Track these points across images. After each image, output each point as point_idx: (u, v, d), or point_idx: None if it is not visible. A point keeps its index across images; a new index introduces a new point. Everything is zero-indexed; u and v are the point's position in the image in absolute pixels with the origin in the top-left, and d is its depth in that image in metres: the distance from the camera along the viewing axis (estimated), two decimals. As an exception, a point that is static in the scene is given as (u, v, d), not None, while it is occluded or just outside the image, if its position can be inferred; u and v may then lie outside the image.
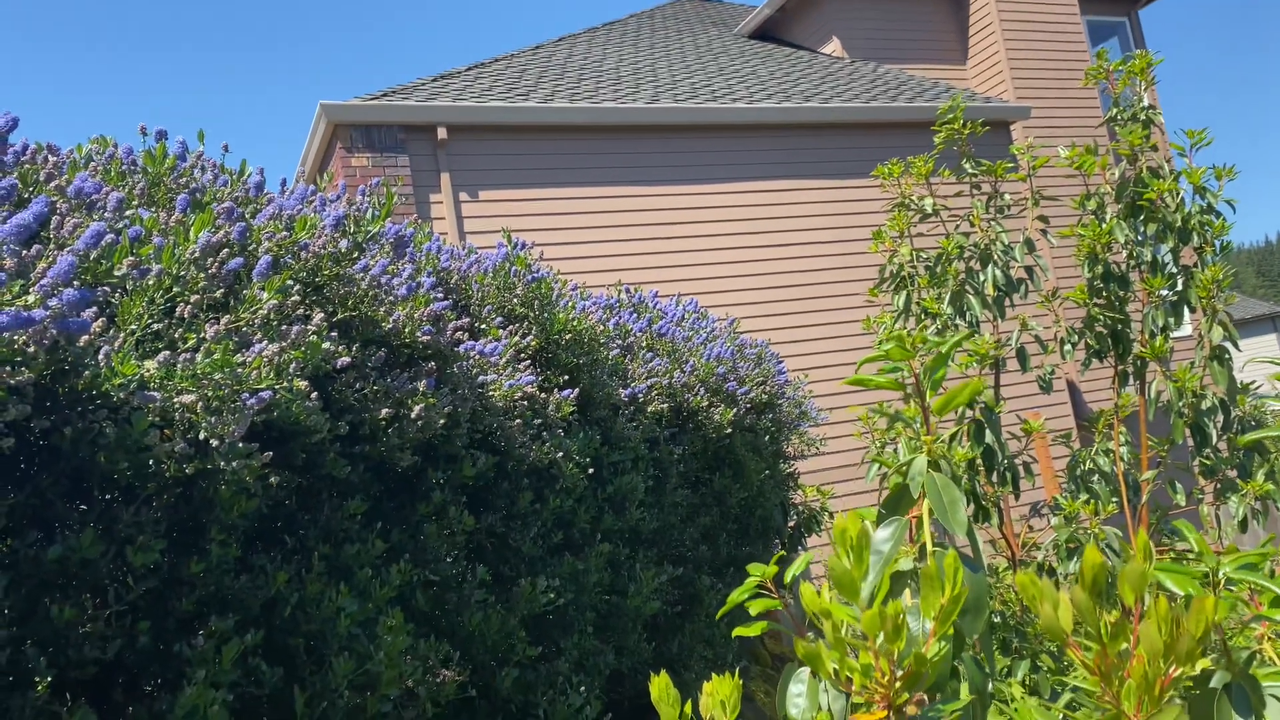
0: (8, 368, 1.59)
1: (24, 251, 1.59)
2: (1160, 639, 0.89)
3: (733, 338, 5.43)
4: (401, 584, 2.75)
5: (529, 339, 3.56)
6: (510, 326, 3.57)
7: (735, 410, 4.77)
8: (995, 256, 4.51)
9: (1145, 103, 4.20)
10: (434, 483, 3.01)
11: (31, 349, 1.56)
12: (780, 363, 5.78)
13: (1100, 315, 4.09)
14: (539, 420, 3.45)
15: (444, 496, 3.03)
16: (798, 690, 1.97)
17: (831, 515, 6.10)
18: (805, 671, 2.00)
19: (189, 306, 2.10)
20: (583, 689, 3.45)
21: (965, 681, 1.72)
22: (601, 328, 4.03)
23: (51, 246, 1.77)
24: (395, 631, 2.61)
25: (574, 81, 10.64)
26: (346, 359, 2.34)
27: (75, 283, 1.62)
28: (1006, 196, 4.78)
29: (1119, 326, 4.13)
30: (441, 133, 9.27)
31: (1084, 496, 4.17)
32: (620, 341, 4.27)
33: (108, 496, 1.99)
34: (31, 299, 1.58)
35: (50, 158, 2.15)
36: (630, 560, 4.04)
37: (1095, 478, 4.35)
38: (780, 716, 2.04)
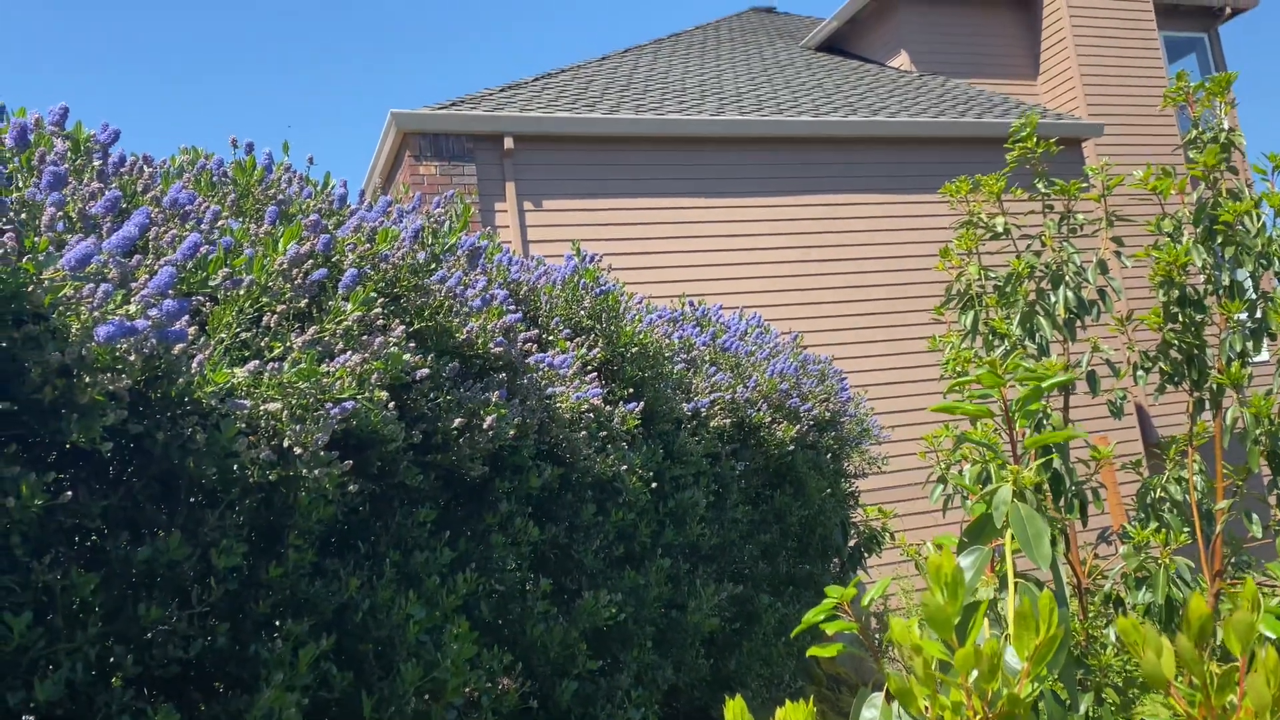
0: (108, 374, 1.64)
1: (126, 262, 1.65)
2: (1269, 692, 0.87)
3: (796, 353, 5.40)
4: (468, 593, 2.78)
5: (595, 351, 3.58)
6: (577, 339, 3.60)
7: (798, 427, 4.75)
8: (1067, 278, 4.44)
9: (1225, 124, 4.10)
10: (501, 493, 3.04)
11: (132, 357, 1.61)
12: (843, 379, 5.74)
13: (1176, 340, 4.00)
14: (604, 433, 3.47)
15: (510, 507, 3.06)
16: (870, 715, 1.95)
17: (893, 536, 6.03)
18: (879, 697, 1.98)
19: (275, 316, 2.16)
20: (641, 704, 3.45)
21: (1044, 716, 1.69)
22: (666, 341, 4.04)
23: (150, 256, 1.83)
24: (461, 640, 2.64)
25: (639, 93, 10.69)
26: (425, 370, 2.38)
27: (171, 293, 1.68)
28: (1080, 216, 4.69)
29: (1195, 351, 4.04)
30: (508, 142, 9.38)
31: (1154, 525, 4.07)
32: (684, 355, 4.28)
33: (193, 500, 2.05)
34: (133, 309, 1.64)
35: (146, 169, 2.23)
36: (690, 576, 4.03)
37: (1167, 506, 4.25)
38: (851, 742, 2.02)
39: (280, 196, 2.53)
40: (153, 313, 1.61)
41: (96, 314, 1.55)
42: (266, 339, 2.15)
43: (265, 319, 2.16)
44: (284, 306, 2.15)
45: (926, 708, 1.07)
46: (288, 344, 2.14)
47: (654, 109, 10.06)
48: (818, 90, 11.51)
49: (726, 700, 4.24)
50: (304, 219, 2.29)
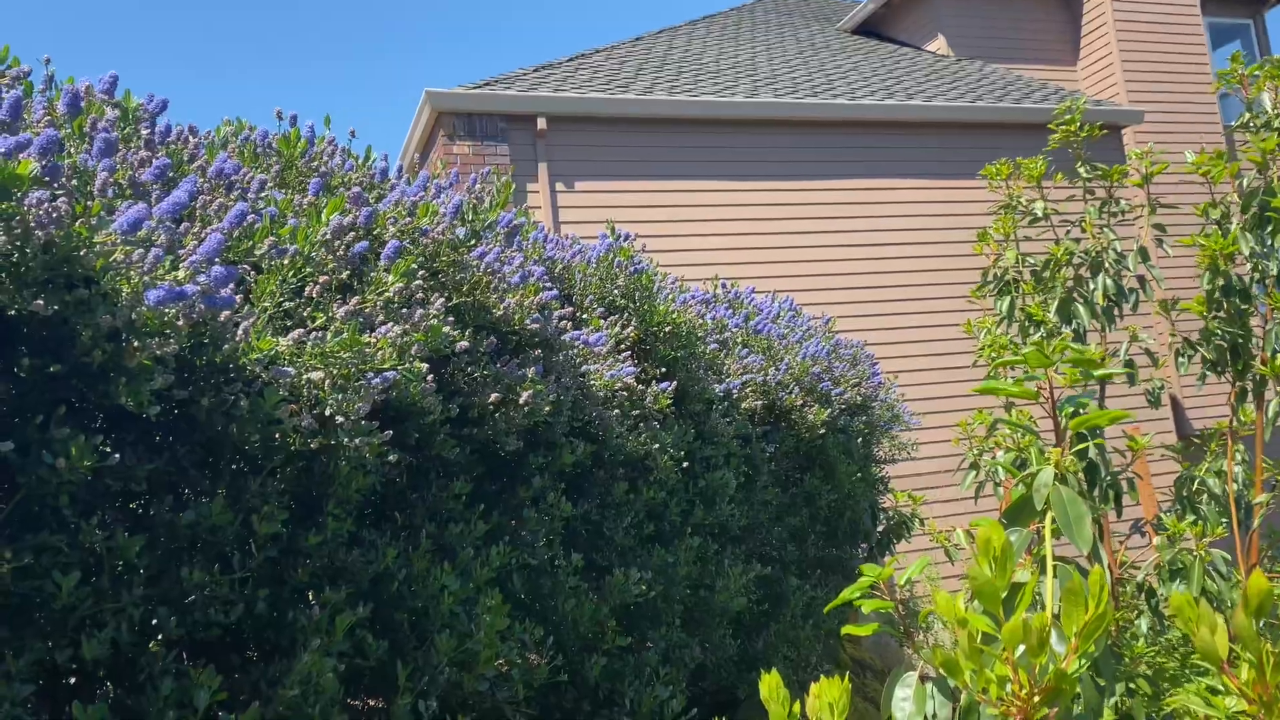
0: (156, 339, 1.66)
1: (175, 228, 1.67)
2: (1325, 671, 0.86)
3: (828, 337, 5.38)
4: (500, 566, 2.80)
5: (629, 330, 3.59)
6: (611, 317, 3.60)
7: (829, 410, 4.73)
8: (1107, 264, 4.38)
9: (1270, 109, 4.02)
10: (534, 468, 3.06)
11: (180, 322, 1.63)
12: (875, 364, 5.71)
13: (1219, 329, 3.94)
14: (636, 411, 3.48)
15: (543, 482, 3.08)
16: (904, 695, 1.95)
17: (922, 522, 6.01)
18: (912, 677, 1.98)
19: (317, 287, 2.17)
20: (669, 682, 3.47)
21: (1081, 700, 1.68)
22: (699, 322, 4.03)
23: (197, 224, 1.85)
24: (494, 612, 2.66)
25: (673, 74, 10.64)
26: (464, 343, 2.39)
27: (218, 260, 1.69)
28: (1122, 203, 4.62)
29: (1239, 341, 3.98)
30: (541, 123, 9.37)
31: (1190, 517, 4.02)
32: (717, 336, 4.27)
33: (235, 467, 2.07)
34: (181, 274, 1.66)
35: (191, 139, 2.25)
36: (719, 556, 4.04)
37: (1204, 498, 4.19)
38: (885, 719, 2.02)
39: (323, 169, 2.55)
40: (201, 279, 1.63)
41: (146, 278, 1.57)
42: (309, 309, 2.17)
43: (308, 289, 2.18)
44: (326, 277, 2.16)
45: (971, 681, 1.07)
46: (330, 314, 2.15)
47: (688, 90, 10.01)
48: (853, 73, 11.41)
49: (757, 678, 4.25)
50: (346, 191, 2.30)
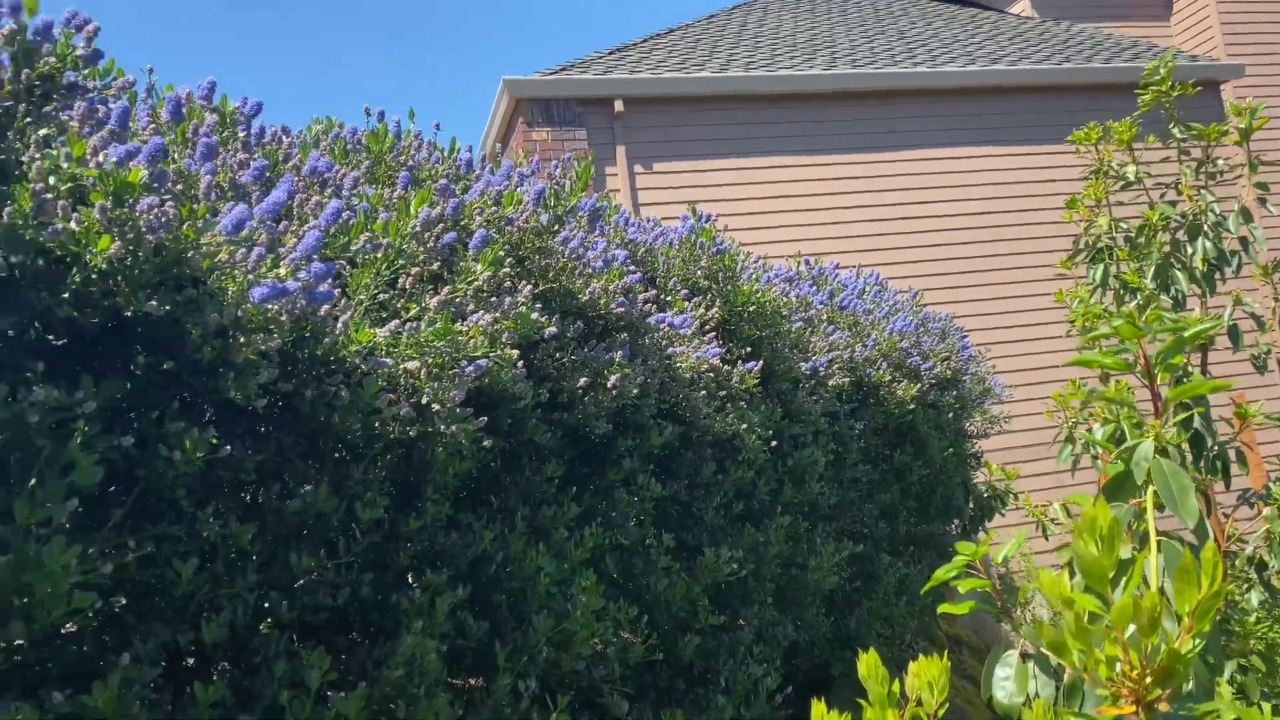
0: (261, 335, 1.72)
1: (275, 226, 1.73)
2: None
3: (915, 311, 5.29)
4: (594, 547, 2.84)
5: (713, 311, 3.58)
6: (694, 299, 3.60)
7: (918, 386, 4.66)
8: (1206, 227, 4.21)
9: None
10: (623, 450, 3.09)
11: (283, 318, 1.69)
12: (964, 337, 5.59)
13: (1331, 291, 3.76)
14: (723, 392, 3.48)
15: (632, 464, 3.10)
16: (1004, 674, 1.92)
17: (1016, 497, 5.88)
18: (1012, 655, 1.95)
19: (409, 279, 2.23)
20: (763, 660, 3.48)
21: (1192, 679, 1.64)
22: (784, 300, 4.01)
23: (294, 222, 1.91)
24: (589, 592, 2.70)
25: (749, 49, 10.53)
26: (553, 329, 2.42)
27: (315, 256, 1.75)
28: (1221, 162, 4.43)
29: (1354, 303, 3.79)
30: (618, 105, 9.38)
31: (1303, 487, 3.86)
32: (801, 314, 4.23)
33: (337, 456, 2.14)
34: (283, 271, 1.72)
35: (284, 138, 2.32)
36: (809, 534, 4.02)
37: (1318, 467, 4.02)
38: (984, 699, 2.00)
39: (410, 162, 2.60)
40: (301, 275, 1.69)
41: (250, 277, 1.63)
42: (402, 300, 2.23)
43: (400, 281, 2.23)
44: (417, 269, 2.21)
45: (1079, 662, 1.05)
46: (422, 305, 2.21)
47: (764, 66, 9.90)
48: (934, 40, 11.13)
49: (851, 656, 4.22)
50: (433, 184, 2.34)
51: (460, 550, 2.44)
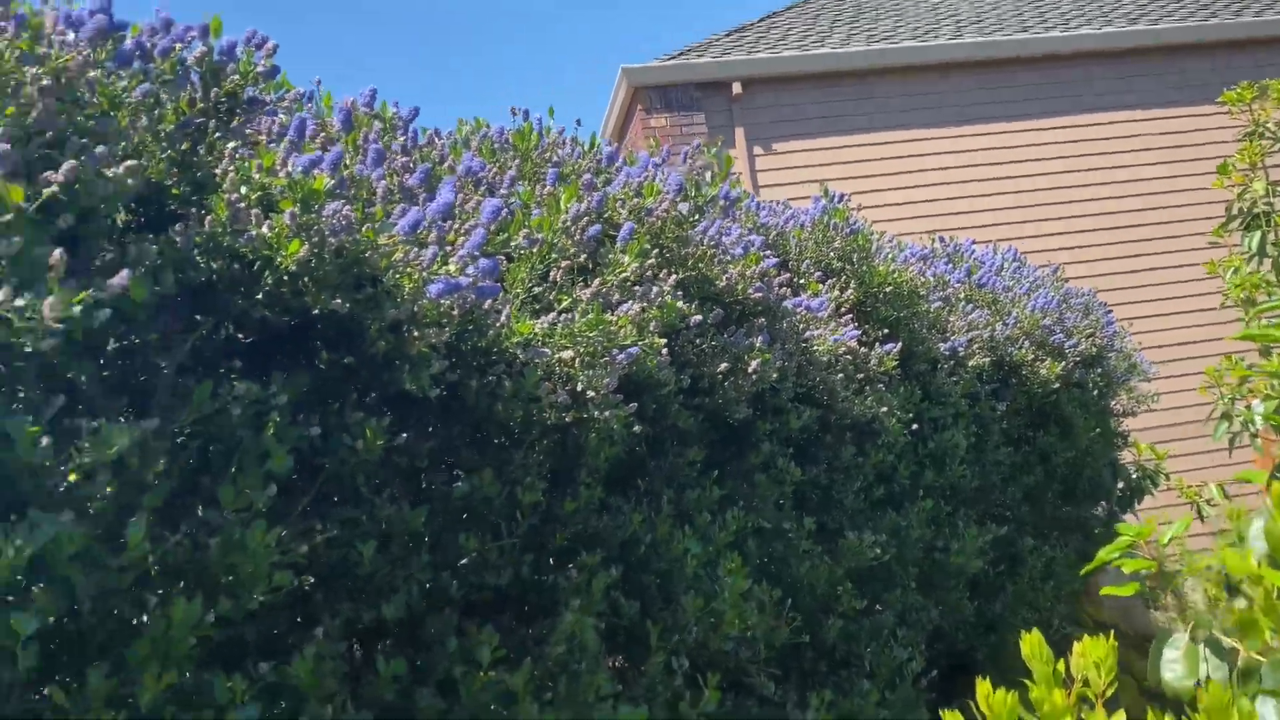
0: (433, 329, 1.82)
1: (444, 225, 1.82)
2: None
3: (1056, 287, 5.12)
4: (737, 530, 2.88)
5: (848, 293, 3.56)
6: (828, 280, 3.59)
7: (1062, 364, 4.52)
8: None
9: None
10: (762, 434, 3.11)
11: (455, 311, 1.79)
12: (1108, 312, 5.39)
13: None
14: (860, 375, 3.46)
15: (772, 448, 3.13)
16: (1173, 656, 1.88)
17: (1167, 477, 5.64)
18: (1181, 637, 1.90)
19: (559, 272, 2.30)
20: (907, 644, 3.46)
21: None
22: (920, 279, 3.95)
23: (456, 221, 2.01)
24: (735, 574, 2.74)
25: (870, 22, 10.32)
26: (697, 317, 2.47)
27: (480, 253, 1.83)
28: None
29: None
30: (736, 88, 9.33)
31: None
32: (938, 294, 4.16)
33: (498, 442, 2.24)
34: (452, 268, 1.81)
35: (438, 140, 2.43)
36: (951, 518, 3.97)
37: None
38: (1153, 682, 1.95)
39: (554, 159, 2.69)
40: (470, 270, 1.77)
41: (425, 273, 1.72)
42: (553, 293, 2.31)
43: (551, 274, 2.31)
44: (568, 261, 2.29)
45: (1271, 640, 1.03)
46: (573, 296, 2.28)
47: (886, 38, 9.69)
48: (1066, 1, 10.67)
49: (995, 640, 4.14)
50: (578, 179, 2.41)
51: (611, 532, 2.52)
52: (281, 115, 2.10)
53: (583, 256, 2.39)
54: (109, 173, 1.51)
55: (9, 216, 1.33)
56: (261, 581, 1.69)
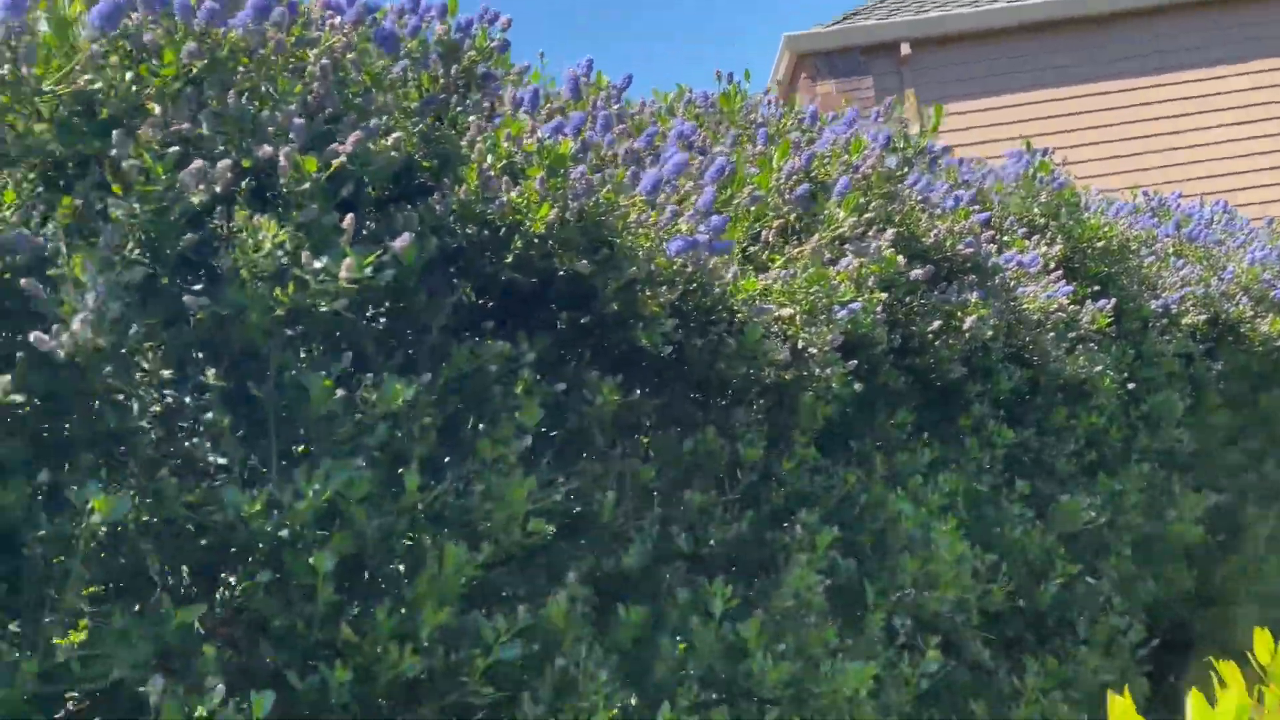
0: (664, 287, 1.87)
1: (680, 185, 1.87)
2: None
3: (1274, 239, 4.77)
4: (949, 492, 2.84)
5: (1054, 248, 3.43)
6: (1033, 236, 3.46)
7: (1286, 320, 4.20)
8: None
9: None
10: (971, 395, 3.04)
11: (689, 269, 1.83)
12: (1335, 265, 4.97)
13: None
14: (1071, 333, 3.33)
15: (982, 409, 3.06)
16: None
17: None
18: None
19: (771, 230, 2.32)
20: (1124, 613, 3.33)
21: None
22: (1131, 234, 3.75)
23: (680, 182, 2.05)
24: (950, 536, 2.71)
25: (1046, -27, 9.81)
26: (918, 270, 2.43)
27: (710, 212, 1.87)
28: None
29: None
30: (904, 49, 9.08)
31: None
32: (1147, 249, 3.94)
33: (720, 400, 2.28)
34: (684, 227, 1.85)
35: (647, 107, 2.48)
36: (1167, 483, 3.77)
37: None
38: None
39: (757, 119, 2.70)
40: (701, 228, 1.81)
41: (660, 233, 1.77)
42: (765, 252, 2.32)
43: (762, 233, 2.33)
44: (780, 220, 2.30)
45: None
46: (785, 255, 2.29)
47: (1065, -12, 9.20)
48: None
49: (1215, 613, 3.93)
50: (787, 138, 2.42)
51: (824, 492, 2.52)
52: (509, 88, 2.18)
53: (793, 215, 2.39)
54: (376, 145, 1.62)
55: (307, 185, 1.45)
56: (517, 527, 1.78)
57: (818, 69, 9.27)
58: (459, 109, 1.94)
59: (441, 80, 1.94)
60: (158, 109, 1.43)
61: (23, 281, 1.28)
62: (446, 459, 1.82)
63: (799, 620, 2.22)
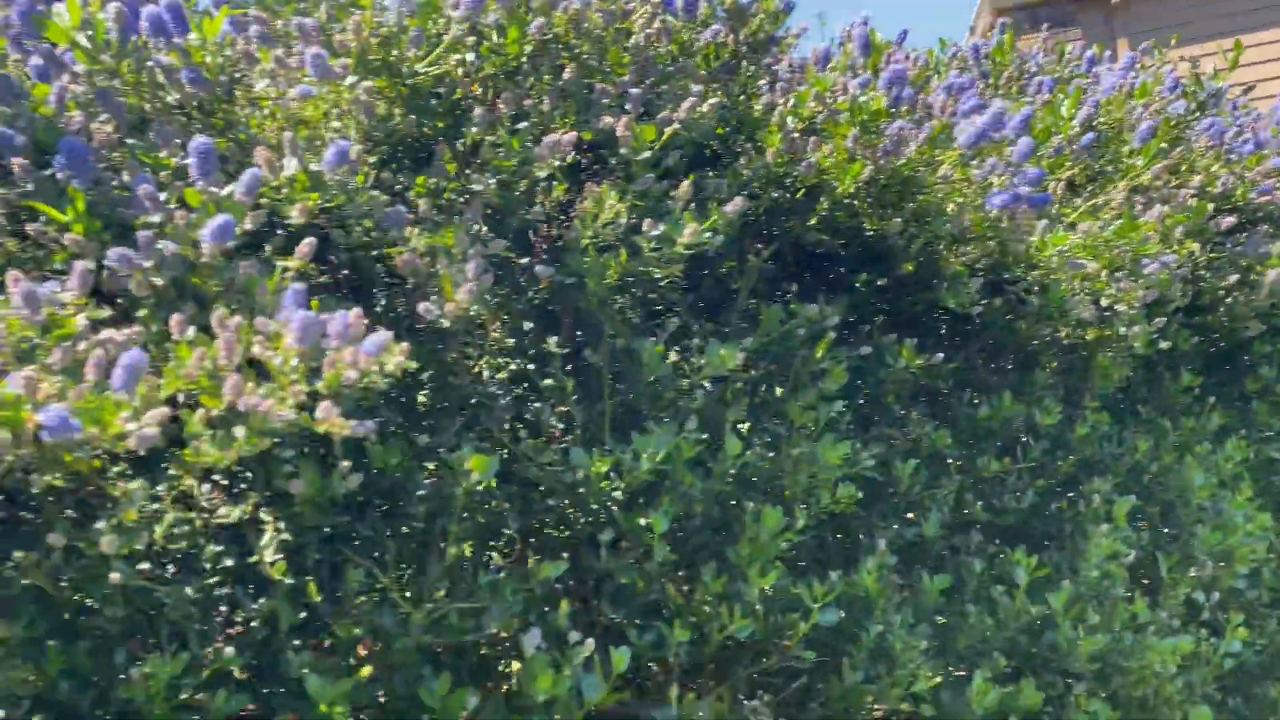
0: (971, 245, 1.80)
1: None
2: None
3: None
4: (1241, 460, 2.64)
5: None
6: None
7: None
8: None
9: None
10: (1259, 356, 2.81)
11: (1003, 223, 1.75)
12: None
13: None
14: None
15: (1271, 372, 2.82)
16: None
17: None
18: None
19: (1059, 183, 2.19)
20: None
21: None
22: None
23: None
24: (1247, 507, 2.52)
25: (1280, -101, 8.94)
26: (1229, 220, 2.26)
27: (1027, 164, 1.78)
28: None
29: None
30: (1116, -2, 8.48)
31: None
32: None
33: (1011, 363, 2.19)
34: (996, 180, 1.77)
35: (919, 61, 2.41)
36: None
37: None
38: None
39: (1028, 69, 2.57)
40: (1016, 180, 1.73)
41: (976, 187, 1.70)
42: (1054, 205, 2.20)
43: (1049, 186, 2.21)
44: (1070, 171, 2.18)
45: None
46: (1072, 207, 2.17)
47: (1305, -87, 8.35)
48: None
49: None
50: (1075, 85, 2.29)
51: (1114, 460, 2.39)
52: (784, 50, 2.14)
53: (1077, 168, 2.26)
54: (696, 113, 1.62)
55: (646, 154, 1.47)
56: (827, 492, 1.77)
57: (1020, 23, 8.79)
58: (749, 74, 1.93)
59: (730, 46, 1.93)
60: (504, 89, 1.48)
61: (402, 257, 1.35)
62: (755, 423, 1.82)
63: (1104, 593, 2.11)
